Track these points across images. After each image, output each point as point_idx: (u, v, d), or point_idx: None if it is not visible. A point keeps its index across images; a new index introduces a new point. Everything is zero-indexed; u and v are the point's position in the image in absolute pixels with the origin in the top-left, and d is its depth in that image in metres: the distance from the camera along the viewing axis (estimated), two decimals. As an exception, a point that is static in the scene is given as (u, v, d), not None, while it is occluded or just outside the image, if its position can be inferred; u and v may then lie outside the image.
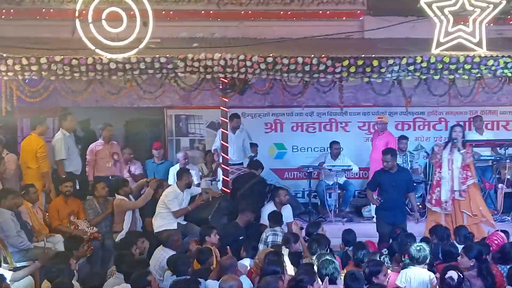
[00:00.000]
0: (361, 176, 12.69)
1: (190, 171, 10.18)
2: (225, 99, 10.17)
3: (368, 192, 9.78)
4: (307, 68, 9.24)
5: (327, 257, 6.62)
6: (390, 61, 9.29)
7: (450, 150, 9.73)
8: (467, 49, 9.79)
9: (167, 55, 9.27)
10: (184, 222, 9.53)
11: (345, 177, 12.02)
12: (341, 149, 11.98)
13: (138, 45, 9.28)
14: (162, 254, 7.84)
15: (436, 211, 9.76)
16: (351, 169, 11.86)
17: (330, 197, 11.69)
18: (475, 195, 9.82)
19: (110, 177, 10.48)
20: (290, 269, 7.04)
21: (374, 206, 10.10)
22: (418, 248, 6.61)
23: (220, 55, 9.23)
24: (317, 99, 11.96)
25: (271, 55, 9.29)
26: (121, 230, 9.31)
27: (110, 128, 10.87)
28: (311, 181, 11.78)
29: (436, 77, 9.62)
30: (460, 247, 7.53)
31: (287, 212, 9.57)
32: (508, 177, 11.56)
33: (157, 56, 9.25)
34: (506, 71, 9.55)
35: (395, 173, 9.41)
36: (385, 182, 9.39)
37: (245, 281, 6.68)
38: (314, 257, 7.02)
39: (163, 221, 9.34)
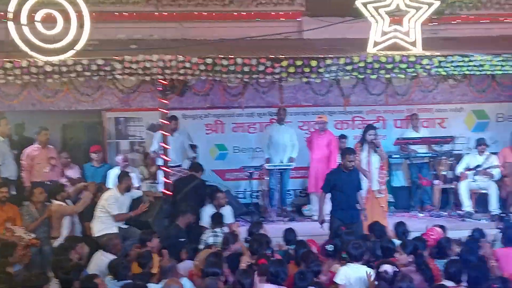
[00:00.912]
0: (301, 175, 12.78)
1: (130, 174, 10.06)
2: (164, 101, 10.10)
3: (321, 195, 9.41)
4: (246, 69, 9.28)
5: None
6: (328, 61, 9.41)
7: (367, 151, 9.88)
8: (402, 48, 10.02)
9: (105, 57, 9.16)
10: (125, 226, 9.41)
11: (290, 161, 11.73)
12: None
13: (75, 47, 9.14)
14: (102, 259, 7.72)
15: None
16: (292, 166, 11.80)
17: (272, 196, 11.70)
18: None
19: (47, 182, 10.26)
20: None
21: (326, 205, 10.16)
22: (355, 245, 6.70)
23: (158, 56, 9.19)
24: (257, 100, 12.03)
25: (210, 56, 9.29)
26: (59, 235, 9.13)
27: (46, 132, 10.63)
28: (253, 182, 11.81)
29: (373, 77, 9.79)
30: (397, 243, 7.68)
31: (227, 213, 9.57)
32: (444, 173, 11.83)
33: (94, 58, 9.12)
34: (440, 70, 9.79)
35: (351, 173, 9.28)
36: (343, 182, 9.19)
37: (186, 283, 6.65)
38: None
39: (103, 225, 9.20)
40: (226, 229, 8.93)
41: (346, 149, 9.60)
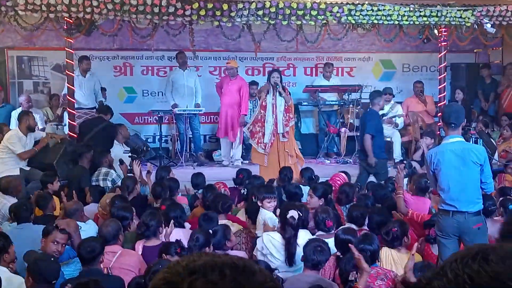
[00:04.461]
0: (212, 120, 12.76)
1: (34, 114, 9.70)
2: (70, 40, 9.73)
3: (368, 138, 9.09)
4: (156, 9, 9.03)
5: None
6: (240, 5, 9.30)
7: (273, 94, 9.94)
8: (314, -5, 10.01)
9: (6, -9, 8.70)
10: (28, 168, 9.12)
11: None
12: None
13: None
14: (1, 202, 7.47)
15: (259, 152, 9.95)
16: (202, 111, 11.68)
17: (182, 141, 11.59)
18: (292, 136, 10.18)
19: None
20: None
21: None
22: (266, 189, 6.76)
23: (64, -7, 8.78)
24: (167, 43, 11.82)
25: (118, -5, 8.98)
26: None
27: None
28: (162, 126, 11.68)
29: (284, 23, 9.76)
30: (304, 188, 7.82)
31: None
32: (351, 121, 12.08)
33: (-7, -8, 8.66)
34: (350, 18, 9.87)
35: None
36: (381, 124, 9.62)
37: (92, 225, 6.55)
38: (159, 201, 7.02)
39: (4, 167, 8.85)
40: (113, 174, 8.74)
41: (380, 92, 10.19)
